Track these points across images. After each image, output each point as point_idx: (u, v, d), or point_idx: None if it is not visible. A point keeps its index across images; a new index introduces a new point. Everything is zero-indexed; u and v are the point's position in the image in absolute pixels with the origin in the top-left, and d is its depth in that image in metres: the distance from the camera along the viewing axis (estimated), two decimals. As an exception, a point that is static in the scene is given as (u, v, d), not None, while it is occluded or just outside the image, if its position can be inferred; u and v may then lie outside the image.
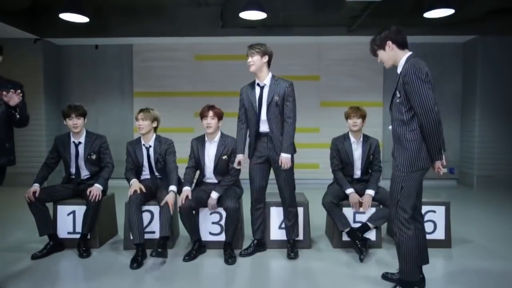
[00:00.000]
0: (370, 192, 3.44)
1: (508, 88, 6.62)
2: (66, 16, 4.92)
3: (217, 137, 3.40)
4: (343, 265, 3.11)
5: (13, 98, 2.47)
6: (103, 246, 3.54)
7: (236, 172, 3.37)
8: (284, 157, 3.07)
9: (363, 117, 3.50)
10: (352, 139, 3.57)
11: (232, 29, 6.23)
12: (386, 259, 3.22)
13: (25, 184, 6.22)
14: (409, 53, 2.51)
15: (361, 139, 3.58)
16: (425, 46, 6.97)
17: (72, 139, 3.52)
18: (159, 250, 3.03)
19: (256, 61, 3.16)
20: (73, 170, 3.54)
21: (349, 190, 3.46)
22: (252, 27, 6.12)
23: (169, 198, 3.23)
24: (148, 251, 3.23)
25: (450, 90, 7.09)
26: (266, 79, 3.23)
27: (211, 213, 3.43)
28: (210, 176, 3.45)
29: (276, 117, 3.18)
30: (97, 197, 3.34)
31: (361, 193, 3.48)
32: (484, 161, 6.67)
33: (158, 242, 3.12)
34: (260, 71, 3.19)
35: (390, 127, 2.59)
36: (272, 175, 3.31)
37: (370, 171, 3.63)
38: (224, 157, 3.37)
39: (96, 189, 3.37)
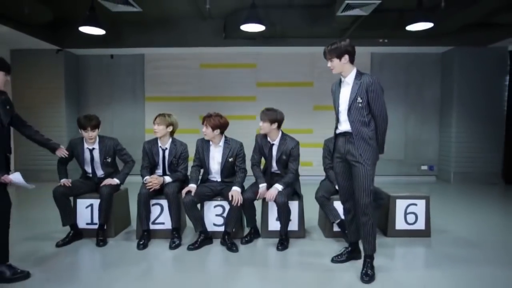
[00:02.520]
0: None
1: (482, 93, 6.62)
2: (85, 29, 4.91)
3: (221, 142, 3.37)
4: (334, 253, 3.09)
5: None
6: (118, 236, 3.54)
7: (245, 171, 3.39)
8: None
9: None
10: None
11: (234, 40, 6.22)
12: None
13: (48, 179, 6.25)
14: (355, 68, 2.63)
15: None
16: (407, 56, 6.98)
17: (86, 145, 3.49)
18: (175, 241, 3.23)
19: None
20: (89, 170, 3.55)
21: (339, 186, 3.47)
22: (252, 38, 6.12)
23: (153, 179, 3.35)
24: (156, 240, 3.26)
25: (429, 95, 7.10)
26: (276, 139, 3.39)
27: (215, 206, 3.43)
28: (214, 175, 3.44)
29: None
30: (109, 187, 3.36)
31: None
32: (460, 159, 6.67)
33: (171, 233, 3.30)
34: None
35: (342, 129, 2.66)
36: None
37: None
38: (231, 159, 3.36)
39: (110, 181, 3.40)
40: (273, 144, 3.36)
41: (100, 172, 3.56)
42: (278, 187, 3.23)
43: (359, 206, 2.57)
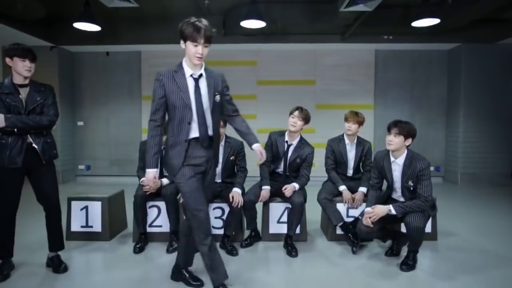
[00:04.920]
0: (362, 189, 3.43)
1: (490, 92, 6.61)
2: (79, 25, 4.91)
3: (222, 141, 3.35)
4: (337, 256, 3.11)
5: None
6: (114, 239, 3.53)
7: (245, 170, 3.39)
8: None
9: (360, 123, 3.48)
10: (347, 141, 3.57)
11: (234, 36, 6.21)
12: (376, 250, 3.22)
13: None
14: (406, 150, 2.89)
15: (355, 141, 3.57)
16: (412, 53, 6.97)
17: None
18: (173, 245, 3.20)
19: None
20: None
21: (342, 187, 3.46)
22: (252, 35, 6.11)
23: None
24: (154, 244, 3.25)
25: (436, 94, 7.09)
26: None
27: (214, 208, 3.42)
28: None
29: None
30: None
31: (353, 190, 3.48)
32: (468, 160, 6.67)
33: (170, 236, 3.29)
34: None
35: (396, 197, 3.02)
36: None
37: (362, 170, 3.63)
38: (232, 157, 3.35)
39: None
40: (290, 145, 3.35)
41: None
42: (295, 185, 3.23)
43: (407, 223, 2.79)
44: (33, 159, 2.59)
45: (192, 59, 2.19)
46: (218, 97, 2.30)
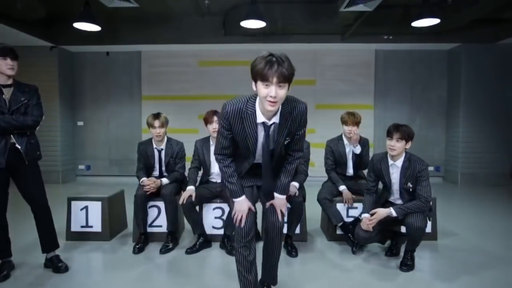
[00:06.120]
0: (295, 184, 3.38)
1: (490, 91, 6.61)
2: (80, 25, 4.91)
3: None
4: (337, 256, 3.11)
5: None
6: (114, 239, 3.53)
7: None
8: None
9: (358, 124, 3.44)
10: (346, 141, 3.56)
11: (234, 37, 6.21)
12: (376, 250, 3.22)
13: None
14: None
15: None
16: (412, 53, 6.97)
17: None
18: (167, 245, 3.20)
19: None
20: None
21: (342, 187, 3.46)
22: (252, 35, 6.11)
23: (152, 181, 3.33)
24: (154, 244, 3.26)
25: (436, 94, 7.09)
26: None
27: (214, 209, 3.42)
28: (214, 177, 3.42)
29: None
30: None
31: (353, 189, 3.48)
32: (468, 160, 6.66)
33: (166, 236, 3.27)
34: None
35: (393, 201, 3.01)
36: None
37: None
38: None
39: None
40: None
41: None
42: (295, 184, 3.19)
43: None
44: (16, 159, 2.56)
45: (264, 104, 1.79)
46: (287, 142, 2.01)
